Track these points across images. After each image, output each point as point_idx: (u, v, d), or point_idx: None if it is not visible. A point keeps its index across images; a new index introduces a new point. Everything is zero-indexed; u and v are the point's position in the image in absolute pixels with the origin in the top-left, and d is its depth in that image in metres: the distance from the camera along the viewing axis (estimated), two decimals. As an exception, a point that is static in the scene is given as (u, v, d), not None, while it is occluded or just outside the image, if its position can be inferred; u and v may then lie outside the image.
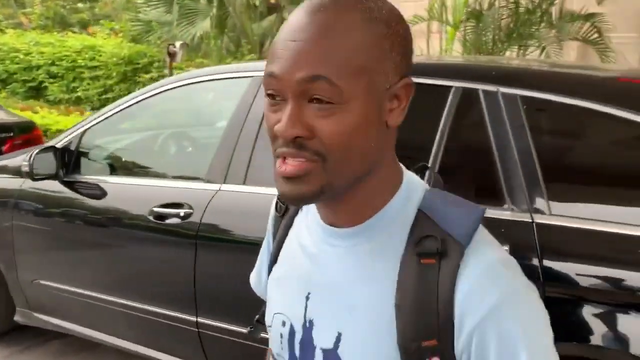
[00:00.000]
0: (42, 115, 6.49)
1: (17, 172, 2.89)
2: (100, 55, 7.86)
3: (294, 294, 0.78)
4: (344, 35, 0.63)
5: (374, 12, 0.65)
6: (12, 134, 4.87)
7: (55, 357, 3.10)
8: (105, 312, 2.62)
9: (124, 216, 2.51)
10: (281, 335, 0.79)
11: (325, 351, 0.73)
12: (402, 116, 0.69)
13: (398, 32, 0.67)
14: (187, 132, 3.37)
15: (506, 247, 1.54)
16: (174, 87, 2.58)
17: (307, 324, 0.76)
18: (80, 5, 14.54)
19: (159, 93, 2.61)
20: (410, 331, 0.66)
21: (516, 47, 4.34)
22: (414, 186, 0.72)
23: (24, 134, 4.98)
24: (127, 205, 2.51)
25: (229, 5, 7.14)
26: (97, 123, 2.71)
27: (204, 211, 2.21)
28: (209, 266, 2.23)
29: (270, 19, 7.44)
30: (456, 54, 4.70)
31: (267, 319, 0.84)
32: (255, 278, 0.95)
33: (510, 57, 4.45)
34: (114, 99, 7.45)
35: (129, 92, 7.37)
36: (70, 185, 2.69)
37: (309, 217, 0.79)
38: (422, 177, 0.77)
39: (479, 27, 4.23)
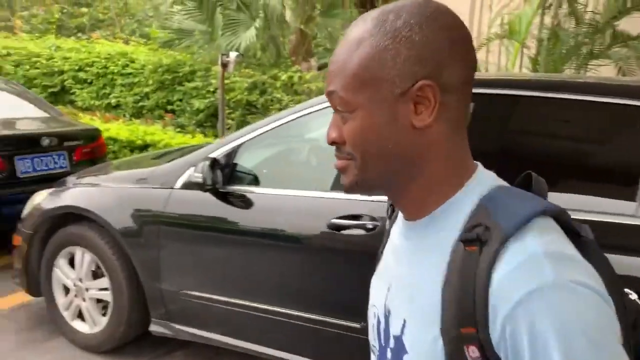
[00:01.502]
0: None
1: (162, 182, 2.91)
2: (133, 62, 7.80)
3: (381, 287, 0.85)
4: (351, 51, 0.72)
5: (385, 25, 0.71)
6: (81, 142, 4.82)
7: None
8: (261, 321, 2.66)
9: (293, 228, 2.55)
10: (373, 326, 0.87)
11: (395, 337, 0.79)
12: (434, 115, 0.71)
13: (409, 40, 0.70)
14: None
15: None
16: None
17: (387, 313, 0.82)
18: (83, 9, 14.32)
19: (317, 110, 2.65)
20: (450, 318, 0.68)
21: (586, 65, 4.54)
22: (482, 182, 0.75)
23: (92, 142, 4.94)
24: (300, 217, 2.55)
25: (270, 18, 7.20)
26: (253, 137, 2.75)
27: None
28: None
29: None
30: (525, 71, 4.88)
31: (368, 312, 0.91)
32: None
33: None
34: (152, 107, 7.42)
35: (167, 101, 7.37)
36: (225, 196, 2.72)
37: (399, 218, 0.86)
38: (529, 186, 0.77)
39: (552, 44, 4.41)
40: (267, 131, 2.73)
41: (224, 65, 6.12)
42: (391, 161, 0.74)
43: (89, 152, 4.87)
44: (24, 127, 4.77)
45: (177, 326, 2.93)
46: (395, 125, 0.72)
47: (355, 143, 0.74)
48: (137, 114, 7.53)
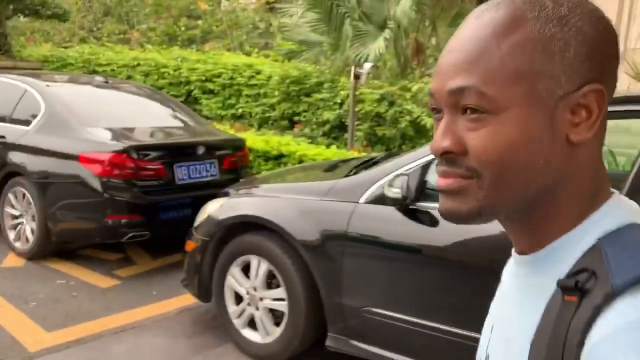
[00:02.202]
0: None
1: (345, 196, 2.89)
2: (259, 74, 8.01)
3: (486, 328, 0.75)
4: (498, 37, 0.57)
5: (545, 10, 0.57)
6: (230, 151, 4.96)
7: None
8: (447, 345, 2.55)
9: (484, 251, 2.43)
10: None
11: None
12: (594, 131, 0.58)
13: (581, 31, 0.57)
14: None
15: None
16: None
17: (486, 357, 0.72)
18: (197, 22, 14.99)
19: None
20: None
21: None
22: (610, 215, 0.60)
23: (238, 152, 5.07)
24: (490, 240, 2.43)
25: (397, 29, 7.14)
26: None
27: None
28: None
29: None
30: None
31: None
32: None
33: None
34: (277, 118, 7.56)
35: (293, 112, 7.49)
36: (413, 213, 2.65)
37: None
38: None
39: None
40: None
41: (357, 77, 6.13)
42: (532, 183, 0.59)
43: (235, 162, 5.00)
44: (181, 136, 4.98)
45: (356, 343, 2.88)
46: (551, 135, 0.58)
47: (491, 156, 0.57)
48: (262, 124, 7.72)
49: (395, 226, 2.73)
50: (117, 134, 4.49)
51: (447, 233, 2.58)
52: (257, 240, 3.18)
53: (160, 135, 4.84)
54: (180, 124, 5.25)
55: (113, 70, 9.85)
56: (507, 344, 0.66)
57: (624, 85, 5.58)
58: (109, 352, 3.28)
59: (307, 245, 2.93)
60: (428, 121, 6.03)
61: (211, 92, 8.46)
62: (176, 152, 4.48)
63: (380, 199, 2.73)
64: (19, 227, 4.66)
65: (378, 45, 6.84)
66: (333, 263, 2.87)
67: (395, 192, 2.58)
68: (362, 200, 2.82)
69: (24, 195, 4.58)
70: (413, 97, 6.45)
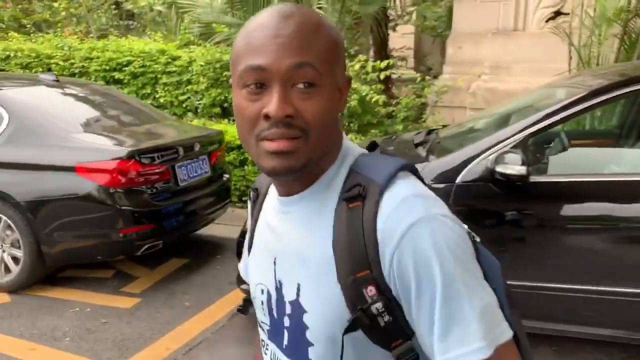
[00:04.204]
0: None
1: (439, 178, 2.99)
2: (175, 60, 7.51)
3: (265, 263, 0.92)
4: (317, 33, 0.78)
5: (326, 21, 0.82)
6: (216, 146, 4.72)
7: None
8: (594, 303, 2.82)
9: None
10: (262, 303, 0.94)
11: (291, 303, 0.86)
12: (343, 105, 0.86)
13: (342, 41, 0.84)
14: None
15: None
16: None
17: (278, 285, 0.89)
18: (52, 4, 13.39)
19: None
20: (345, 267, 0.78)
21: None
22: (349, 152, 0.86)
23: (221, 145, 4.84)
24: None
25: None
26: (546, 126, 2.89)
27: None
28: None
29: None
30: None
31: (251, 293, 0.99)
32: (243, 268, 1.09)
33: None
34: (206, 105, 7.19)
35: (224, 97, 7.17)
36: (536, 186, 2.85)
37: (270, 196, 0.95)
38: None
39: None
40: (561, 118, 2.89)
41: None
42: (333, 140, 0.84)
43: (219, 155, 4.77)
44: (171, 134, 4.59)
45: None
46: (338, 106, 0.83)
47: (320, 118, 0.77)
48: (188, 112, 7.30)
49: (515, 202, 2.89)
50: (111, 139, 4.03)
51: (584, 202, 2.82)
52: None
53: (153, 135, 4.41)
54: (158, 122, 4.82)
55: (-23, 63, 8.54)
56: (302, 262, 0.83)
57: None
58: (194, 373, 3.05)
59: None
60: (380, 98, 6.23)
61: (118, 82, 7.74)
62: (176, 152, 4.15)
63: (484, 177, 2.87)
64: (-9, 258, 3.99)
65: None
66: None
67: (513, 169, 2.74)
68: (458, 180, 2.95)
69: (-3, 219, 3.92)
70: (356, 75, 6.60)
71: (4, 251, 3.95)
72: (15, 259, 3.92)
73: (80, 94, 4.67)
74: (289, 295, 0.86)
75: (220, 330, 3.51)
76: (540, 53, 6.99)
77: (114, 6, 13.89)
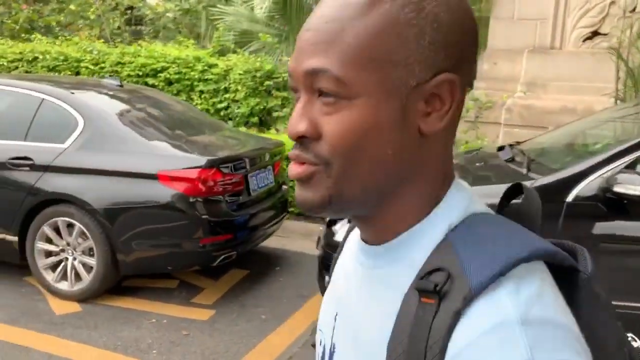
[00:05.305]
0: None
1: (549, 196, 2.97)
2: (211, 67, 7.46)
3: (330, 312, 0.71)
4: (355, 20, 0.54)
5: None
6: (279, 156, 4.67)
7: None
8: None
9: None
10: (319, 354, 0.73)
11: None
12: (446, 122, 0.57)
13: (437, 18, 0.55)
14: None
15: None
16: None
17: (332, 349, 0.69)
18: (62, 6, 13.30)
19: None
20: None
21: None
22: (454, 205, 0.60)
23: (281, 155, 4.79)
24: None
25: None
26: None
27: None
28: None
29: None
30: None
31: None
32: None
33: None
34: (244, 114, 7.14)
35: (263, 107, 7.12)
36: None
37: (355, 233, 0.71)
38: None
39: None
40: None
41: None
42: (382, 173, 0.57)
43: (280, 166, 4.74)
44: (241, 144, 4.53)
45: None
46: (403, 125, 0.56)
47: (344, 143, 0.55)
48: (226, 121, 7.24)
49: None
50: (189, 147, 3.96)
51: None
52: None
53: (225, 144, 4.36)
54: (222, 130, 4.77)
55: (2, 65, 8.44)
56: (356, 339, 0.63)
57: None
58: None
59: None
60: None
61: (154, 88, 7.67)
62: (250, 162, 4.09)
63: (595, 197, 2.86)
64: (61, 265, 3.88)
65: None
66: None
67: (635, 189, 2.73)
68: (569, 199, 2.93)
69: (69, 226, 3.82)
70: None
71: (74, 259, 3.85)
72: (86, 267, 3.83)
73: (147, 100, 4.60)
74: None
75: (306, 344, 3.44)
76: (577, 72, 7.06)
77: (130, 10, 13.82)
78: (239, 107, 7.20)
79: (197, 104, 7.41)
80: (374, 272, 0.62)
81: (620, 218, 2.89)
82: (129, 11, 13.79)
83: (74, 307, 3.80)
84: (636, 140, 2.97)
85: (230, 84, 7.27)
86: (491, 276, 0.50)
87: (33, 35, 9.88)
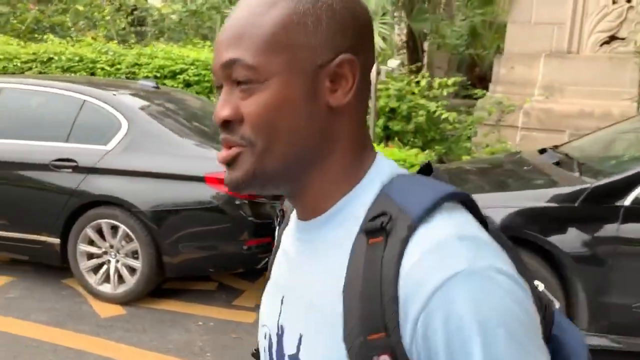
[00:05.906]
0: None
1: (606, 199, 3.00)
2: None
3: (273, 301, 0.74)
4: (261, 15, 0.62)
5: None
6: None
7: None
8: None
9: None
10: (264, 349, 0.75)
11: (290, 357, 0.67)
12: (350, 97, 0.64)
13: (330, 8, 0.63)
14: None
15: None
16: None
17: (280, 330, 0.71)
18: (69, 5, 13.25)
19: None
20: (354, 324, 0.58)
21: None
22: (382, 171, 0.67)
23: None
24: None
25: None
26: None
27: None
28: None
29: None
30: None
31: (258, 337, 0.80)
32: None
33: None
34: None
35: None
36: None
37: (293, 217, 0.75)
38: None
39: None
40: None
41: (378, 73, 6.13)
42: (299, 145, 0.64)
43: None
44: None
45: (617, 337, 3.05)
46: (313, 101, 0.63)
47: (261, 121, 0.62)
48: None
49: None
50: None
51: None
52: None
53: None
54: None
55: (16, 65, 8.39)
56: (307, 309, 0.65)
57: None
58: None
59: (573, 256, 2.99)
60: (451, 115, 6.27)
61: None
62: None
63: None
64: (103, 268, 3.86)
65: (377, 40, 6.86)
66: (600, 266, 2.98)
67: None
68: (627, 202, 2.96)
69: (113, 228, 3.80)
70: (420, 91, 6.64)
71: (117, 261, 3.84)
72: (129, 269, 3.81)
73: (182, 103, 4.59)
74: (289, 347, 0.68)
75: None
76: (595, 76, 7.11)
77: (136, 11, 13.78)
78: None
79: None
80: (317, 241, 0.67)
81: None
82: (136, 12, 13.76)
83: (118, 310, 3.78)
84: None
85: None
86: (427, 209, 0.58)
87: (45, 36, 9.83)
